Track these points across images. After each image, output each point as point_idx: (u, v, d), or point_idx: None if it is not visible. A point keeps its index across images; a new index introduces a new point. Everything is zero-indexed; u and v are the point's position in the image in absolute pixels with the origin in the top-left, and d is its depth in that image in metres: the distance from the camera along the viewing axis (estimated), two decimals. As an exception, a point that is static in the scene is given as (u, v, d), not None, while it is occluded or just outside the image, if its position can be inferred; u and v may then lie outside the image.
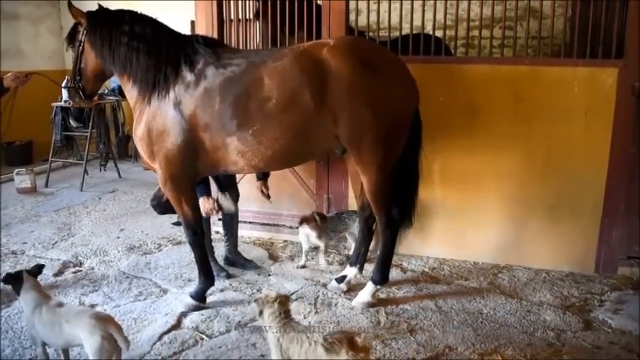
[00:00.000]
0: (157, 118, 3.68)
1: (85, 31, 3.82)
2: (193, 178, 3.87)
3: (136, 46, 3.71)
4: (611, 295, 4.20)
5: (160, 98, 3.67)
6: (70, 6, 3.82)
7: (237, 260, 4.70)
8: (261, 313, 2.87)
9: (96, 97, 7.81)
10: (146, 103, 3.73)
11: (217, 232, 4.82)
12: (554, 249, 4.61)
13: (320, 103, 3.52)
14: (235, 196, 4.51)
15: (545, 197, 4.57)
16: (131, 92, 3.84)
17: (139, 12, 3.87)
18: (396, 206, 3.92)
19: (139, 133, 3.80)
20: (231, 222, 4.68)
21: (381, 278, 4.00)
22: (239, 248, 4.83)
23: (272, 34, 5.06)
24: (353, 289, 4.21)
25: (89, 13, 3.83)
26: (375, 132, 3.58)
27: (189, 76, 3.66)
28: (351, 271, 4.26)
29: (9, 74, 4.06)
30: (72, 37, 3.94)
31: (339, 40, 3.78)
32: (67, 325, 2.91)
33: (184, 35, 3.93)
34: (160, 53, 3.70)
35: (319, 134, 3.65)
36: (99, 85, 4.14)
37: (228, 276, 4.48)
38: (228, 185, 4.49)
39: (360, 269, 4.26)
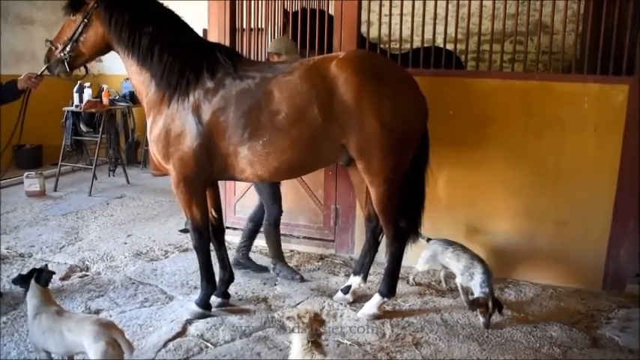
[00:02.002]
0: (176, 120, 3.68)
1: (95, 5, 3.69)
2: (205, 181, 3.88)
3: (161, 41, 3.66)
4: (619, 313, 4.17)
5: (180, 101, 3.67)
6: None
7: (249, 265, 4.81)
8: (292, 330, 2.77)
9: (107, 103, 7.97)
10: (165, 103, 3.71)
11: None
12: (562, 265, 4.58)
13: (328, 116, 3.55)
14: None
15: (553, 213, 4.56)
16: (147, 86, 3.76)
17: (165, 4, 3.81)
18: (403, 218, 3.93)
19: (155, 134, 3.77)
20: (254, 231, 4.78)
21: (388, 291, 3.99)
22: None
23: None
24: (358, 300, 4.21)
25: None
26: (383, 144, 3.59)
27: (208, 83, 3.67)
28: (354, 280, 4.26)
29: (22, 75, 4.04)
30: (75, 7, 3.76)
31: (348, 53, 3.81)
32: (69, 333, 2.92)
33: (209, 42, 3.97)
34: (185, 56, 3.69)
35: (326, 146, 3.67)
36: (90, 60, 4.01)
37: (302, 279, 4.60)
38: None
39: (364, 278, 4.26)
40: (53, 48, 3.87)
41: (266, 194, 4.53)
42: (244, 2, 5.20)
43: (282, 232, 5.27)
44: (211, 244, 4.07)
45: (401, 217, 3.92)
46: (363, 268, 4.25)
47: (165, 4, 3.85)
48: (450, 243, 4.26)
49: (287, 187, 4.99)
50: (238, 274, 4.59)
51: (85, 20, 3.74)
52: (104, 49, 3.86)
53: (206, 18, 5.36)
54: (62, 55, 3.83)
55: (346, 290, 4.25)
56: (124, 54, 3.76)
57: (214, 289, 4.06)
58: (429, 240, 4.38)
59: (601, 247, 4.49)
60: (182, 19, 3.83)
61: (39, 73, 4.01)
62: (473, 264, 4.02)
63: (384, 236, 4.03)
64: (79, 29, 3.76)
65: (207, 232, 3.96)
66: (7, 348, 3.53)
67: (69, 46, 3.80)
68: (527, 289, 4.56)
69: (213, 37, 5.21)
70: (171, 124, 3.70)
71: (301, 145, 3.61)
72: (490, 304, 3.81)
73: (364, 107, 3.53)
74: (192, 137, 3.66)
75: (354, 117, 3.55)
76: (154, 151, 3.86)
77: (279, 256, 4.71)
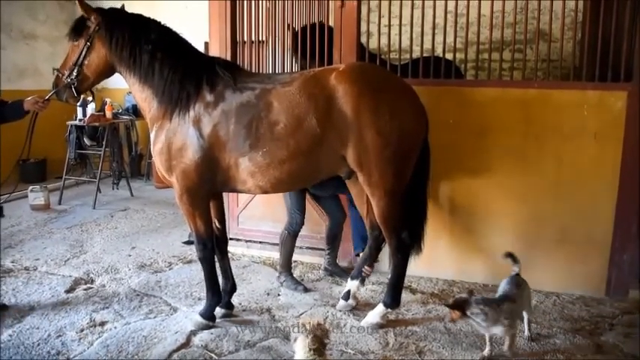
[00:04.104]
0: (177, 134, 3.73)
1: (96, 28, 3.77)
2: (208, 193, 3.92)
3: (161, 58, 3.74)
4: (622, 319, 4.17)
5: (181, 115, 3.73)
6: (81, 1, 3.78)
7: (335, 271, 4.94)
8: (295, 340, 2.79)
9: (110, 116, 8.03)
10: (167, 118, 3.77)
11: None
12: (565, 271, 4.59)
13: (326, 127, 3.58)
14: (342, 217, 4.84)
15: (555, 219, 4.57)
16: (150, 103, 3.84)
17: (163, 22, 3.88)
18: (405, 230, 3.94)
19: (157, 148, 3.83)
20: (334, 238, 4.89)
21: (392, 301, 4.00)
22: (249, 268, 4.88)
23: (302, 64, 5.26)
24: (362, 309, 4.23)
25: (103, 10, 3.81)
26: (383, 156, 3.61)
27: (208, 96, 3.73)
28: (352, 284, 4.27)
29: (30, 98, 4.10)
30: (78, 32, 3.85)
31: (348, 65, 3.84)
32: None
33: (207, 56, 4.03)
34: (185, 71, 3.75)
35: (325, 157, 3.70)
36: (97, 83, 4.10)
37: (306, 290, 4.63)
38: (335, 209, 4.79)
39: (362, 282, 4.29)
40: (60, 74, 3.96)
41: (290, 202, 4.62)
42: (245, 15, 5.25)
43: (284, 242, 5.30)
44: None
45: (403, 228, 3.94)
46: (360, 273, 4.27)
47: (168, 18, 3.91)
48: (518, 283, 3.69)
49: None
50: (242, 284, 4.62)
51: (88, 44, 3.82)
52: (108, 71, 3.94)
53: (207, 31, 5.41)
54: (69, 80, 3.91)
55: (347, 296, 4.26)
56: (126, 73, 3.85)
57: (220, 300, 4.08)
58: (516, 276, 3.77)
59: (603, 254, 4.49)
60: (180, 35, 3.90)
61: (46, 98, 4.10)
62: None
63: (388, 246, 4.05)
64: (83, 53, 3.85)
65: (212, 243, 3.98)
66: (13, 361, 3.55)
67: (75, 71, 3.88)
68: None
69: (214, 50, 5.27)
70: (172, 138, 3.75)
71: (300, 155, 3.64)
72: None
73: (363, 120, 3.56)
74: (193, 150, 3.71)
75: (352, 129, 3.58)
76: (158, 164, 3.92)
77: (286, 266, 4.74)
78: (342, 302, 4.28)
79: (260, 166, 3.67)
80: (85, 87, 4.02)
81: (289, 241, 4.69)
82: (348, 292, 4.28)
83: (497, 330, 3.40)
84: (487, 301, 3.45)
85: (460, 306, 3.38)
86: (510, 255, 3.82)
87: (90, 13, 3.79)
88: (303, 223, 4.68)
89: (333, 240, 4.91)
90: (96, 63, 3.87)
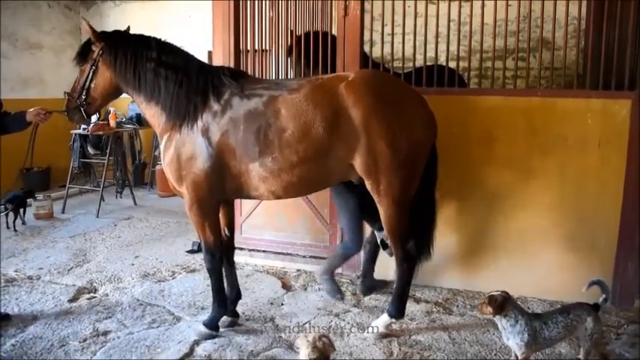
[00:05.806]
0: (186, 144, 3.76)
1: (100, 52, 3.85)
2: (218, 202, 3.93)
3: (165, 74, 3.78)
4: (628, 329, 4.14)
5: (189, 127, 3.75)
6: (88, 25, 3.87)
7: (376, 284, 4.74)
8: (299, 350, 2.77)
9: (114, 125, 8.06)
10: (176, 130, 3.79)
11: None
12: (569, 280, 4.54)
13: (334, 136, 3.59)
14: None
15: (559, 228, 4.55)
16: (159, 118, 3.88)
17: (163, 39, 3.93)
18: (412, 240, 3.93)
19: (167, 159, 3.86)
20: (374, 252, 4.68)
21: (397, 312, 3.99)
22: (253, 277, 4.87)
23: (301, 69, 5.28)
24: (365, 318, 4.20)
25: (105, 33, 3.89)
26: (391, 164, 3.61)
27: (216, 106, 3.75)
28: (382, 234, 4.26)
29: (32, 110, 4.14)
30: (84, 56, 3.95)
31: (358, 75, 3.80)
32: None
33: (212, 66, 4.05)
34: (190, 84, 3.78)
35: (334, 164, 3.70)
36: (105, 105, 4.19)
37: (342, 298, 4.59)
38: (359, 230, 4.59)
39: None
40: (71, 97, 4.03)
41: (349, 225, 4.49)
42: (248, 24, 5.27)
43: (288, 251, 5.30)
44: None
45: (410, 238, 3.92)
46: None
47: (172, 28, 3.93)
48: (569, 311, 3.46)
49: (293, 207, 5.01)
50: (245, 294, 4.60)
51: (94, 67, 3.90)
52: (114, 92, 4.02)
53: (211, 40, 5.43)
54: (78, 103, 3.98)
55: (384, 245, 4.27)
56: (133, 93, 3.91)
57: (225, 312, 4.07)
58: (583, 305, 3.51)
59: (608, 263, 4.47)
60: (182, 49, 3.94)
61: (49, 111, 4.17)
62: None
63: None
64: (89, 77, 3.93)
65: (220, 254, 3.98)
66: (16, 371, 3.55)
67: (83, 94, 3.96)
68: (534, 305, 4.53)
69: (217, 59, 5.29)
70: (182, 148, 3.77)
71: (309, 161, 3.65)
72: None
73: (373, 132, 3.56)
74: (203, 160, 3.72)
75: (362, 140, 3.58)
76: (168, 174, 3.94)
77: (330, 272, 4.65)
78: (388, 251, 4.25)
79: (271, 172, 3.68)
80: (94, 109, 4.11)
81: (340, 259, 4.61)
82: (382, 241, 4.29)
83: (514, 343, 3.26)
84: (522, 310, 3.32)
85: (500, 304, 3.21)
86: (599, 283, 3.52)
87: (95, 37, 3.86)
88: (361, 244, 4.55)
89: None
90: (102, 86, 3.95)
